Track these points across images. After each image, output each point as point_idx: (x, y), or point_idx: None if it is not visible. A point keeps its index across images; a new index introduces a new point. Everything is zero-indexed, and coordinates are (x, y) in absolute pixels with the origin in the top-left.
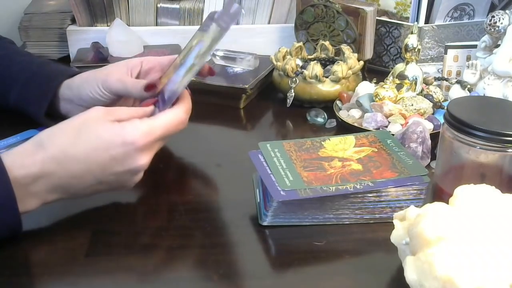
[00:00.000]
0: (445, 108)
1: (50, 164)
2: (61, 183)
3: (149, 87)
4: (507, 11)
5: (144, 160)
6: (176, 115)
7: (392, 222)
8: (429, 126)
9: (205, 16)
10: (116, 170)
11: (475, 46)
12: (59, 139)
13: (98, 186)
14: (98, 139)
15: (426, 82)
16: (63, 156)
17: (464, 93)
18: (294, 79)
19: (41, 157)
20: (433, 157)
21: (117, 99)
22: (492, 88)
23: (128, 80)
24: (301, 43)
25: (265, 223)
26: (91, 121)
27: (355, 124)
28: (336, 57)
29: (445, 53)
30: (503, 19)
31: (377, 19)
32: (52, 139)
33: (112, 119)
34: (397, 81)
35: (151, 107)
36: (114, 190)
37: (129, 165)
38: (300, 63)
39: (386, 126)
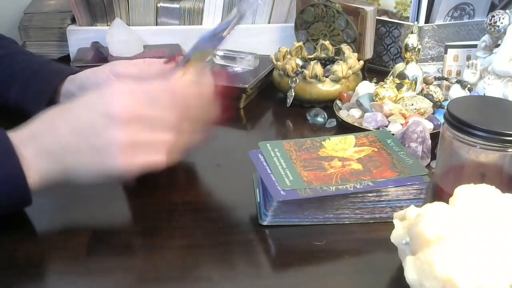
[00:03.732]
0: (445, 107)
1: (37, 124)
2: (47, 144)
3: (169, 60)
4: (507, 10)
5: (122, 134)
6: (170, 84)
7: (392, 222)
8: (429, 126)
9: (205, 16)
10: (93, 141)
11: (475, 46)
12: (53, 113)
13: (84, 157)
14: (86, 97)
15: (426, 81)
16: (51, 115)
17: (464, 93)
18: (294, 79)
19: (31, 123)
20: (433, 157)
21: None
22: (492, 88)
23: (140, 64)
24: (301, 43)
25: (265, 223)
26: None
27: (355, 124)
28: (336, 57)
29: (445, 52)
30: (503, 18)
31: (377, 19)
32: (46, 114)
33: None
34: (397, 81)
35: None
36: (107, 174)
37: (106, 137)
38: (300, 62)
39: (386, 126)
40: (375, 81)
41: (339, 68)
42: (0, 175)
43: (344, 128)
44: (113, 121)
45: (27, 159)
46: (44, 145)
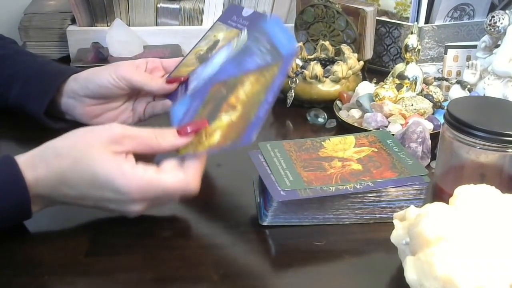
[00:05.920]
0: (445, 108)
1: (48, 183)
2: (59, 200)
3: (172, 80)
4: (507, 11)
5: (136, 208)
6: (183, 183)
7: (392, 222)
8: (429, 126)
9: (205, 16)
10: (108, 207)
11: (475, 46)
12: (59, 161)
13: (94, 208)
14: (93, 177)
15: (426, 82)
16: (60, 179)
17: (464, 93)
18: (294, 79)
19: (43, 175)
20: (433, 157)
21: (125, 94)
22: (492, 88)
23: (144, 73)
24: (301, 43)
25: (265, 223)
26: (95, 149)
27: (355, 124)
28: (336, 57)
29: (445, 53)
30: (503, 19)
31: (377, 19)
32: (54, 158)
33: (119, 150)
34: (397, 81)
35: (184, 140)
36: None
37: (120, 208)
38: (300, 63)
39: (386, 126)
40: (375, 81)
41: (339, 69)
42: (7, 205)
43: (344, 128)
44: (127, 198)
45: (36, 202)
46: (55, 200)
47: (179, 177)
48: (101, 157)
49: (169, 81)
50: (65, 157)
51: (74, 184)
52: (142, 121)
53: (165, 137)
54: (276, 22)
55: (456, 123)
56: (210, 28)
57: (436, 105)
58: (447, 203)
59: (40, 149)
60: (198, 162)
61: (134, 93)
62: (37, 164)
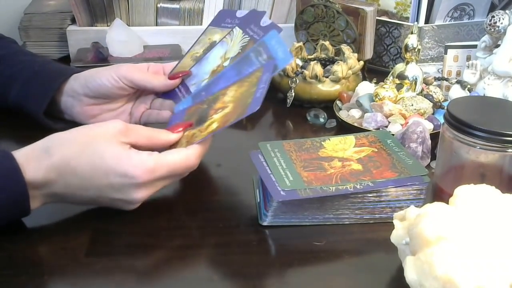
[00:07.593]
0: (445, 108)
1: (51, 172)
2: (59, 192)
3: (174, 76)
4: (507, 11)
5: (141, 195)
6: (186, 158)
7: (392, 222)
8: (429, 126)
9: (205, 16)
10: (111, 196)
11: (475, 46)
12: (65, 148)
13: (93, 202)
14: (101, 160)
15: (426, 82)
16: (65, 166)
17: (464, 93)
18: (294, 79)
19: (45, 165)
20: (433, 157)
21: (125, 94)
22: (492, 88)
23: (145, 72)
24: (301, 43)
25: (265, 223)
26: (102, 137)
27: (355, 124)
28: (336, 57)
29: (445, 53)
30: (503, 19)
31: (377, 19)
32: (59, 147)
33: (125, 140)
34: (397, 81)
35: (177, 135)
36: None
37: (124, 196)
38: (300, 63)
39: (386, 126)
40: (375, 81)
41: (339, 69)
42: (4, 198)
43: (344, 128)
44: (134, 182)
45: (37, 198)
46: (55, 191)
47: (181, 153)
48: (108, 144)
49: (171, 77)
50: (71, 145)
51: (80, 170)
52: None
53: (160, 133)
54: (274, 36)
55: (456, 123)
56: (203, 33)
57: (436, 105)
58: (447, 203)
59: (44, 140)
60: (201, 144)
61: (134, 95)
62: (40, 155)
